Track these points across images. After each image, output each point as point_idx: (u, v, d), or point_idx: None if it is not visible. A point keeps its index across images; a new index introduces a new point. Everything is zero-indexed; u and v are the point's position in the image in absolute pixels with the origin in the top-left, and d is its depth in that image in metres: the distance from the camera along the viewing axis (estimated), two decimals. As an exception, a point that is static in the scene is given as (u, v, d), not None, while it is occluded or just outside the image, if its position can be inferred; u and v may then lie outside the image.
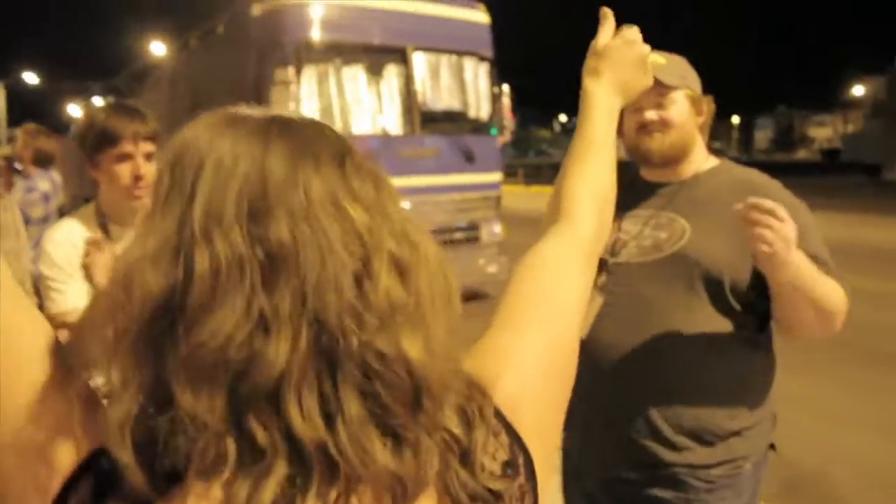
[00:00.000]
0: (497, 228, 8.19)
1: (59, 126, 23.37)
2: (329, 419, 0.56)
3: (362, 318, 0.58)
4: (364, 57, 7.32)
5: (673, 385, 1.74)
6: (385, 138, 7.33)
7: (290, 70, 6.73)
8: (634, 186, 1.92)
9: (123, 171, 1.99)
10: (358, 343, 0.58)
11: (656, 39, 1.23)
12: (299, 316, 0.57)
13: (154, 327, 0.56)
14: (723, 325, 1.73)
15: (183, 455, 0.56)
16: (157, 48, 13.13)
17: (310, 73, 6.99)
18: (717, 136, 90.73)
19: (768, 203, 1.47)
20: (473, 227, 7.90)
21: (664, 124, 1.82)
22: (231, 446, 0.55)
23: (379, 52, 7.40)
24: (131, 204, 2.05)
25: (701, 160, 1.91)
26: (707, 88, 1.93)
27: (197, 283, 0.56)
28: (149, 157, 2.06)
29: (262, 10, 7.54)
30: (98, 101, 16.59)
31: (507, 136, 8.55)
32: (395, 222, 0.64)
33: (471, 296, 8.72)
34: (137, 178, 2.01)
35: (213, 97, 7.94)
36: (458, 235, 7.75)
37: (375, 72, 7.38)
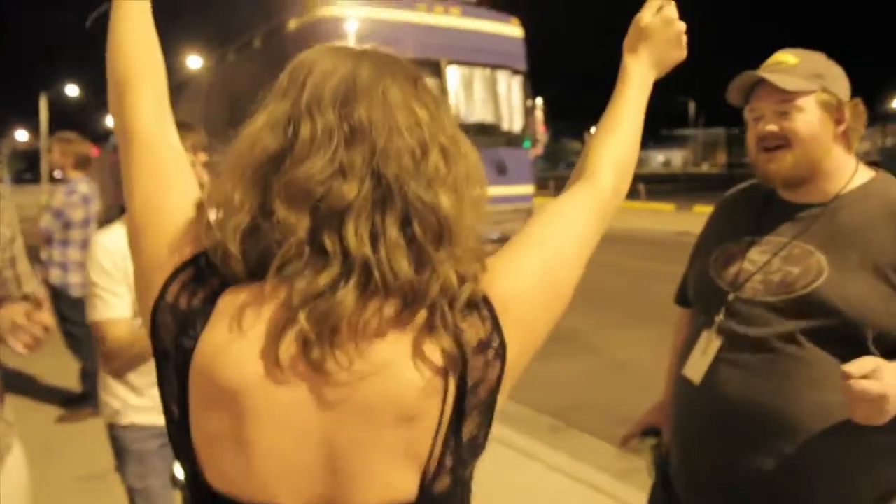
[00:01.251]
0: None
1: (97, 136, 23.83)
2: (374, 242, 0.81)
3: (412, 178, 0.83)
4: (398, 70, 7.40)
5: (805, 459, 1.45)
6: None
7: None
8: (769, 206, 1.64)
9: None
10: (407, 192, 0.82)
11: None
12: (367, 168, 0.82)
13: (267, 168, 0.84)
14: None
15: (271, 253, 0.81)
16: (194, 61, 13.34)
17: (345, 86, 7.09)
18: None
19: (863, 365, 1.25)
20: (505, 239, 7.87)
21: (787, 138, 1.53)
22: (306, 248, 0.81)
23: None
24: None
25: (845, 176, 1.57)
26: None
27: (299, 143, 0.83)
28: (205, 165, 2.11)
29: (298, 24, 7.65)
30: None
31: (539, 149, 8.56)
32: (448, 128, 0.90)
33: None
34: (200, 185, 2.06)
35: (249, 109, 8.04)
36: (490, 248, 7.72)
37: (409, 85, 7.45)
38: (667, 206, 24.01)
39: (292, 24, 7.73)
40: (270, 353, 0.81)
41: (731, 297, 1.57)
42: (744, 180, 1.82)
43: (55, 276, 4.96)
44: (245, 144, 0.86)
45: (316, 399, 0.82)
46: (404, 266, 0.81)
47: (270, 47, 8.18)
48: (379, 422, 0.82)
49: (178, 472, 2.23)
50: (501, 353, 0.87)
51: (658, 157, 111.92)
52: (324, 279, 0.79)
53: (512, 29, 8.29)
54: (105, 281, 2.05)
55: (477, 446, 0.88)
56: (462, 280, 0.85)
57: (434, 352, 0.83)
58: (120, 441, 2.22)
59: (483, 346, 0.85)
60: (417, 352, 0.82)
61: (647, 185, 28.06)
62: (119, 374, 2.09)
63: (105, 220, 9.72)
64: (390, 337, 0.82)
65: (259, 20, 8.94)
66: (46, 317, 1.76)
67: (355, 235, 0.80)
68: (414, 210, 0.82)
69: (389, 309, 0.82)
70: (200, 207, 0.92)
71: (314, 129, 0.83)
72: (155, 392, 2.12)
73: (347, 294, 0.79)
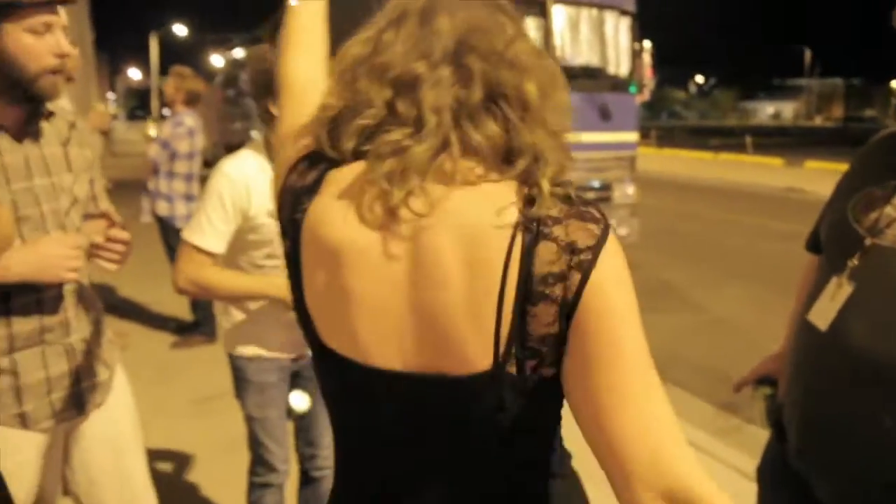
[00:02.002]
0: (630, 190, 7.97)
1: (204, 75, 24.46)
2: (455, 109, 0.87)
3: (500, 57, 0.88)
4: (504, 10, 7.23)
5: None
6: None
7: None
8: None
9: None
10: (493, 67, 0.88)
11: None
12: (446, 55, 0.89)
13: (355, 68, 0.93)
14: None
15: (366, 137, 0.90)
16: None
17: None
18: (872, 102, 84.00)
19: None
20: (606, 187, 7.72)
21: None
22: (385, 115, 0.89)
23: (519, 3, 7.26)
24: None
25: None
26: (857, 46, 1.54)
27: (382, 44, 0.92)
28: None
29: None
30: (240, 52, 17.25)
31: (646, 95, 8.25)
32: (529, 41, 0.94)
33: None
34: None
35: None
36: (590, 195, 7.58)
37: (515, 25, 7.27)
38: (775, 161, 22.90)
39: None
40: (359, 210, 0.90)
41: (868, 241, 1.45)
42: (861, 135, 1.65)
43: (162, 207, 5.16)
44: (339, 55, 0.98)
45: (397, 251, 0.88)
46: (490, 126, 0.87)
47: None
48: (450, 274, 0.85)
49: (294, 402, 2.31)
50: (585, 270, 0.83)
51: (767, 109, 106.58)
52: (396, 135, 0.87)
53: (623, -32, 7.95)
54: (214, 210, 2.07)
55: (553, 352, 0.86)
56: (541, 156, 0.87)
57: (508, 210, 0.85)
58: (242, 371, 2.29)
59: (569, 246, 0.84)
60: (497, 206, 0.85)
61: (754, 137, 26.83)
62: (179, 291, 2.12)
63: (211, 158, 9.96)
64: (471, 189, 0.87)
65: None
66: (121, 232, 1.81)
67: (432, 102, 0.87)
68: (498, 88, 0.88)
69: (464, 160, 0.87)
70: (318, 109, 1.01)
71: (396, 34, 0.92)
72: (273, 324, 2.18)
73: (418, 148, 0.86)
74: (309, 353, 2.01)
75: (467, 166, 0.87)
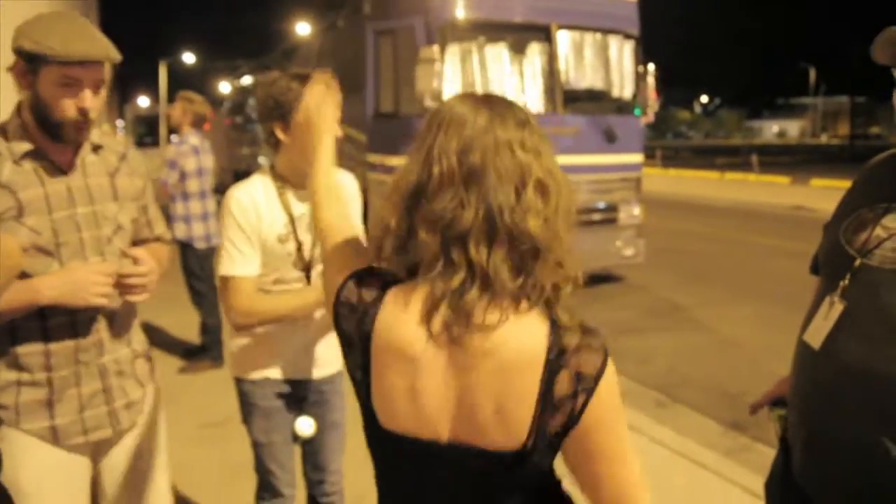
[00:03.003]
0: (636, 210, 7.99)
1: (212, 102, 24.71)
2: (488, 257, 1.10)
3: (513, 209, 1.11)
4: (508, 35, 7.31)
5: None
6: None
7: (435, 48, 6.81)
8: None
9: None
10: (509, 220, 1.10)
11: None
12: (480, 203, 1.11)
13: (411, 200, 1.15)
14: None
15: (417, 262, 1.15)
16: (303, 28, 13.60)
17: (454, 51, 7.06)
18: (878, 119, 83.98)
19: None
20: (612, 208, 7.75)
21: None
22: (440, 260, 1.12)
23: (523, 29, 7.35)
24: None
25: None
26: (862, 64, 1.60)
27: (432, 182, 1.14)
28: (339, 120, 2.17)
29: (408, -10, 7.66)
30: (248, 79, 17.42)
31: (650, 117, 8.30)
32: (545, 164, 1.16)
33: (605, 278, 8.61)
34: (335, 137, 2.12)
35: (358, 74, 8.16)
36: (596, 216, 7.62)
37: (519, 50, 7.35)
38: (782, 179, 22.90)
39: (402, -10, 7.75)
40: (425, 330, 1.14)
41: (857, 262, 1.50)
42: (867, 152, 1.70)
43: (180, 230, 5.20)
44: (399, 176, 1.20)
45: (456, 363, 1.15)
46: (506, 275, 1.11)
47: (380, 13, 8.22)
48: (496, 383, 1.13)
49: (299, 427, 2.31)
50: (588, 393, 1.14)
51: (772, 128, 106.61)
52: (455, 282, 1.11)
53: (625, -8, 8.03)
54: (235, 236, 2.12)
55: (558, 441, 1.16)
56: (556, 287, 1.15)
57: (538, 332, 1.14)
58: (247, 395, 2.30)
59: (578, 375, 1.14)
60: (531, 343, 1.13)
61: (760, 156, 26.84)
62: (238, 328, 2.18)
63: (219, 184, 10.01)
64: (506, 322, 1.12)
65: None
66: (138, 268, 1.86)
67: (476, 252, 1.11)
68: (514, 235, 1.11)
69: (504, 301, 1.12)
70: (365, 236, 1.34)
71: (441, 170, 1.14)
72: (280, 348, 2.20)
73: (472, 292, 1.11)
74: (313, 376, 2.03)
75: (505, 305, 1.12)
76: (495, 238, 1.11)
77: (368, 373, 1.21)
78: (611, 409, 1.16)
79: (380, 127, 7.73)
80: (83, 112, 1.76)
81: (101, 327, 1.88)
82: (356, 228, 1.45)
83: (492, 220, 1.10)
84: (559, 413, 1.14)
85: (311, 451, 2.42)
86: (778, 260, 10.17)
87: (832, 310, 1.51)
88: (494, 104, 1.19)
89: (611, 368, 1.15)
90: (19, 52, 1.71)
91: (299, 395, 2.33)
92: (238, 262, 2.12)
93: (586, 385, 1.13)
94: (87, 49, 1.72)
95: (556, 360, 1.12)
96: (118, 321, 1.94)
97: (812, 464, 1.59)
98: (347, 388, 2.48)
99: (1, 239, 1.39)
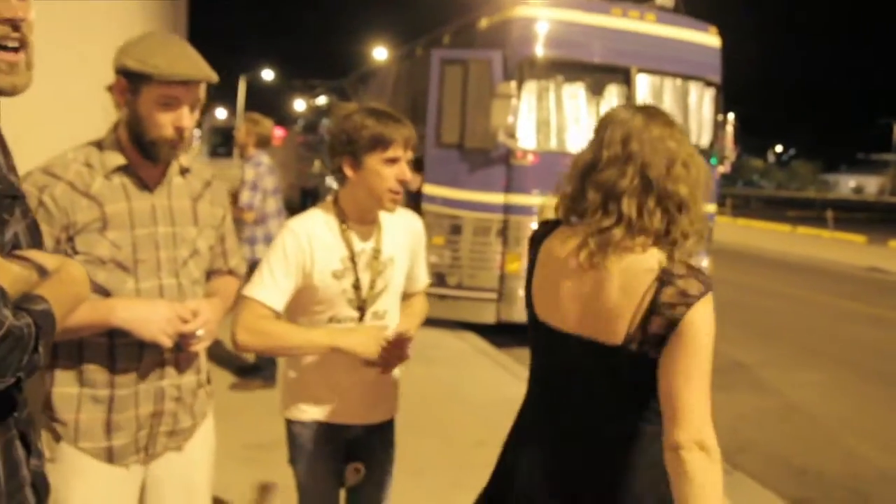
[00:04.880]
0: (705, 262, 7.76)
1: (286, 119, 25.33)
2: (640, 208, 1.54)
3: (665, 178, 1.54)
4: (586, 75, 7.22)
5: None
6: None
7: (513, 84, 6.78)
8: None
9: (389, 173, 2.05)
10: (662, 185, 1.54)
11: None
12: (636, 174, 1.54)
13: (585, 171, 1.62)
14: None
15: (581, 217, 1.63)
16: (381, 54, 13.81)
17: (531, 88, 7.01)
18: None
19: None
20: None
21: None
22: (599, 211, 1.57)
23: (602, 70, 7.26)
24: (385, 206, 2.09)
25: None
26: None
27: (602, 160, 1.59)
28: (409, 163, 2.11)
29: (488, 24, 7.67)
30: (323, 99, 17.76)
31: (727, 167, 8.08)
32: (687, 148, 1.59)
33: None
34: (402, 181, 2.08)
35: (432, 104, 8.19)
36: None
37: (596, 91, 7.26)
38: (858, 238, 22.09)
39: (483, 23, 7.75)
40: (575, 255, 1.59)
41: None
42: None
43: (261, 251, 5.22)
44: (577, 157, 1.67)
45: (592, 279, 1.58)
46: (658, 219, 1.54)
47: (459, 44, 8.26)
48: (618, 293, 1.54)
49: (347, 473, 2.24)
50: (682, 314, 1.48)
51: (849, 183, 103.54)
52: (605, 223, 1.55)
53: (709, 38, 7.85)
54: (276, 263, 2.04)
55: (657, 344, 1.50)
56: (686, 236, 1.56)
57: (657, 259, 1.54)
58: (296, 437, 2.24)
59: (682, 292, 1.49)
60: (650, 264, 1.53)
61: (835, 211, 26.00)
62: (239, 348, 2.07)
63: (286, 201, 10.21)
64: (637, 253, 1.54)
65: (450, 18, 9.06)
66: (199, 322, 1.83)
67: (627, 206, 1.54)
68: (665, 194, 1.54)
69: (640, 238, 1.55)
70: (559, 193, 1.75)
71: (609, 153, 1.58)
72: (331, 390, 2.15)
73: (617, 231, 1.54)
74: (364, 422, 1.96)
75: (641, 241, 1.55)
76: (647, 197, 1.53)
77: (531, 277, 1.74)
78: (701, 332, 1.47)
79: (440, 158, 7.66)
80: (179, 131, 1.79)
81: (165, 350, 1.87)
82: None
83: (647, 185, 1.53)
84: (661, 317, 1.48)
85: (356, 498, 2.33)
86: (850, 323, 9.75)
87: None
88: (647, 111, 1.63)
89: (708, 300, 1.49)
90: (123, 72, 1.75)
91: (348, 440, 2.25)
92: (267, 288, 2.03)
93: (687, 301, 1.47)
94: (190, 70, 1.76)
95: (666, 278, 1.49)
96: (184, 349, 1.91)
97: None
98: (399, 433, 2.42)
99: (70, 266, 1.36)
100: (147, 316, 1.75)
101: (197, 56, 1.80)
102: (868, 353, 8.02)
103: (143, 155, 1.82)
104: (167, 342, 1.78)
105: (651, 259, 1.53)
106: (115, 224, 1.79)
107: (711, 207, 7.89)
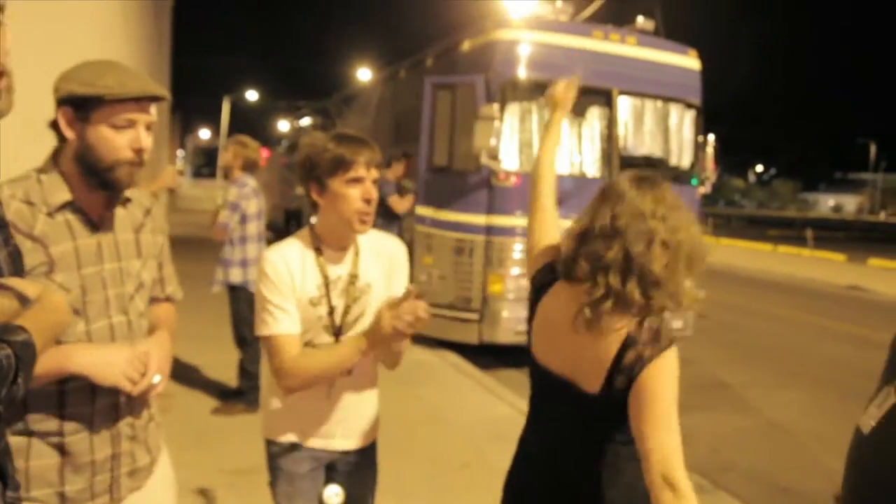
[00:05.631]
0: (687, 283, 7.81)
1: (269, 139, 25.36)
2: (623, 282, 1.67)
3: (643, 256, 1.66)
4: (568, 97, 7.28)
5: None
6: (582, 180, 7.23)
7: (495, 106, 6.82)
8: None
9: (354, 194, 2.06)
10: (640, 263, 1.66)
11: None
12: (620, 250, 1.68)
13: (579, 239, 1.78)
14: None
15: (577, 275, 1.77)
16: (364, 76, 13.87)
17: (513, 110, 7.06)
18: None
19: None
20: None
21: None
22: (589, 281, 1.72)
23: (584, 92, 7.31)
24: (354, 228, 2.09)
25: None
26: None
27: (594, 231, 1.74)
28: (375, 181, 2.11)
29: (471, 46, 7.73)
30: (307, 120, 17.80)
31: (707, 188, 8.16)
32: (672, 224, 1.69)
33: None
34: (367, 201, 2.07)
35: (415, 126, 8.23)
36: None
37: (578, 112, 7.32)
38: (837, 257, 22.33)
39: (466, 46, 7.82)
40: (571, 318, 1.75)
41: None
42: None
43: (235, 274, 5.22)
44: (576, 222, 1.81)
45: (583, 340, 1.73)
46: (637, 296, 1.66)
47: (442, 67, 8.32)
48: (601, 353, 1.71)
49: (326, 496, 2.23)
50: (638, 373, 1.65)
51: (828, 202, 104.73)
52: (597, 293, 1.69)
53: (689, 61, 7.95)
54: (274, 295, 2.06)
55: (624, 396, 1.67)
56: (663, 308, 1.70)
57: (622, 334, 1.70)
58: (274, 458, 2.24)
59: (639, 356, 1.67)
60: (619, 329, 1.70)
61: (815, 230, 26.27)
62: (290, 391, 2.09)
63: (270, 223, 10.10)
64: (621, 322, 1.70)
65: (432, 41, 9.14)
66: (153, 371, 1.76)
67: (613, 279, 1.67)
68: (643, 271, 1.67)
69: (623, 310, 1.69)
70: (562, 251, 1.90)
71: (599, 225, 1.73)
72: (312, 416, 2.13)
73: (607, 304, 1.68)
74: (344, 447, 2.29)
75: (629, 314, 1.70)
76: (629, 273, 1.67)
77: (531, 323, 1.95)
78: (658, 386, 1.62)
79: (432, 180, 7.72)
80: (139, 152, 1.71)
81: (119, 392, 1.78)
82: (554, 231, 2.12)
83: (629, 261, 1.67)
84: (623, 376, 1.67)
85: (338, 523, 2.32)
86: (831, 342, 9.83)
87: (887, 399, 1.55)
88: (643, 183, 1.75)
89: (667, 357, 1.66)
90: (68, 100, 1.65)
91: (328, 462, 2.25)
92: (283, 321, 2.06)
93: (641, 363, 1.65)
94: (142, 86, 1.68)
95: (630, 342, 1.68)
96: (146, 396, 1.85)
97: None
98: (383, 456, 2.42)
99: (51, 294, 1.34)
100: (107, 360, 1.67)
101: (144, 74, 1.73)
102: (848, 371, 8.08)
103: (99, 185, 1.71)
104: (129, 386, 1.70)
105: (622, 324, 1.71)
106: (61, 266, 1.68)
107: (692, 228, 7.96)
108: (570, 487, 1.84)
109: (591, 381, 1.74)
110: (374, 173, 2.10)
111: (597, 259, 1.71)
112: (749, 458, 5.26)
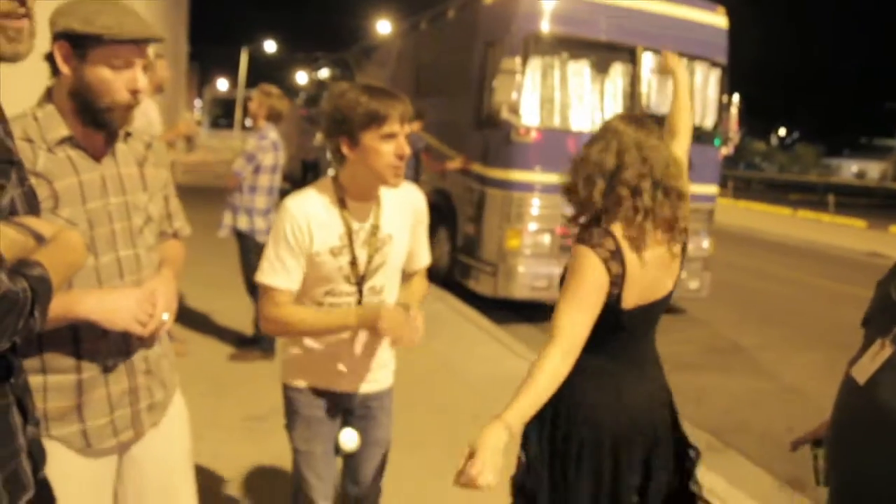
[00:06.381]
0: (706, 243, 7.76)
1: (288, 91, 25.18)
2: (654, 198, 1.97)
3: (646, 176, 1.98)
4: (591, 53, 7.15)
5: None
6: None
7: (517, 60, 6.71)
8: None
9: (388, 149, 2.03)
10: (650, 183, 1.99)
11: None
12: (638, 173, 2.00)
13: (610, 174, 2.01)
14: None
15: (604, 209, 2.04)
16: (385, 27, 13.68)
17: (535, 65, 6.95)
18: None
19: None
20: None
21: None
22: (602, 201, 2.02)
23: (607, 49, 7.20)
24: (388, 182, 2.08)
25: None
26: None
27: (624, 166, 2.02)
28: (407, 137, 2.09)
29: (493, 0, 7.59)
30: (325, 72, 17.65)
31: (730, 149, 8.04)
32: (665, 156, 2.01)
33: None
34: (400, 156, 2.05)
35: (436, 79, 8.14)
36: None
37: (601, 69, 7.20)
38: (858, 223, 22.06)
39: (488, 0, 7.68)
40: (667, 251, 2.06)
41: None
42: None
43: (243, 221, 5.23)
44: (595, 162, 2.01)
45: (659, 257, 2.03)
46: (667, 206, 1.97)
47: (464, 20, 8.18)
48: (672, 262, 2.05)
49: (342, 440, 2.26)
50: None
51: (851, 167, 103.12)
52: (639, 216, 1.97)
53: (716, 18, 7.77)
54: (281, 248, 2.07)
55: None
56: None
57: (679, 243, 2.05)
58: (292, 403, 2.27)
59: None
60: (677, 242, 2.04)
61: (837, 196, 25.95)
62: (273, 335, 2.14)
63: (288, 173, 10.15)
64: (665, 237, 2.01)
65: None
66: (161, 308, 1.78)
67: (644, 195, 1.95)
68: (663, 187, 1.96)
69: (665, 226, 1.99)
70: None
71: (601, 157, 2.00)
72: (329, 361, 2.16)
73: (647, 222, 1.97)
74: (361, 390, 2.30)
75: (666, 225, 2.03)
76: (642, 191, 1.94)
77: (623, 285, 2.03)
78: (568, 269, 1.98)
79: (473, 136, 7.73)
80: (135, 93, 1.70)
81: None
82: None
83: (657, 183, 1.94)
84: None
85: (353, 465, 2.36)
86: (848, 307, 9.73)
87: (882, 352, 1.60)
88: (639, 121, 2.03)
89: (582, 251, 1.93)
90: (66, 35, 1.63)
91: (345, 407, 2.28)
92: (279, 274, 2.08)
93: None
94: (140, 28, 1.66)
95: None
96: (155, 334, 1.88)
97: (848, 498, 1.69)
98: (396, 407, 2.44)
99: (66, 233, 1.34)
100: (116, 305, 1.68)
101: (139, 14, 1.71)
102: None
103: (93, 124, 1.71)
104: (140, 329, 1.72)
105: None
106: (66, 200, 1.68)
107: (713, 189, 7.88)
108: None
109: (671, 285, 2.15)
110: (407, 128, 2.08)
111: (634, 186, 1.94)
112: (762, 420, 5.28)
